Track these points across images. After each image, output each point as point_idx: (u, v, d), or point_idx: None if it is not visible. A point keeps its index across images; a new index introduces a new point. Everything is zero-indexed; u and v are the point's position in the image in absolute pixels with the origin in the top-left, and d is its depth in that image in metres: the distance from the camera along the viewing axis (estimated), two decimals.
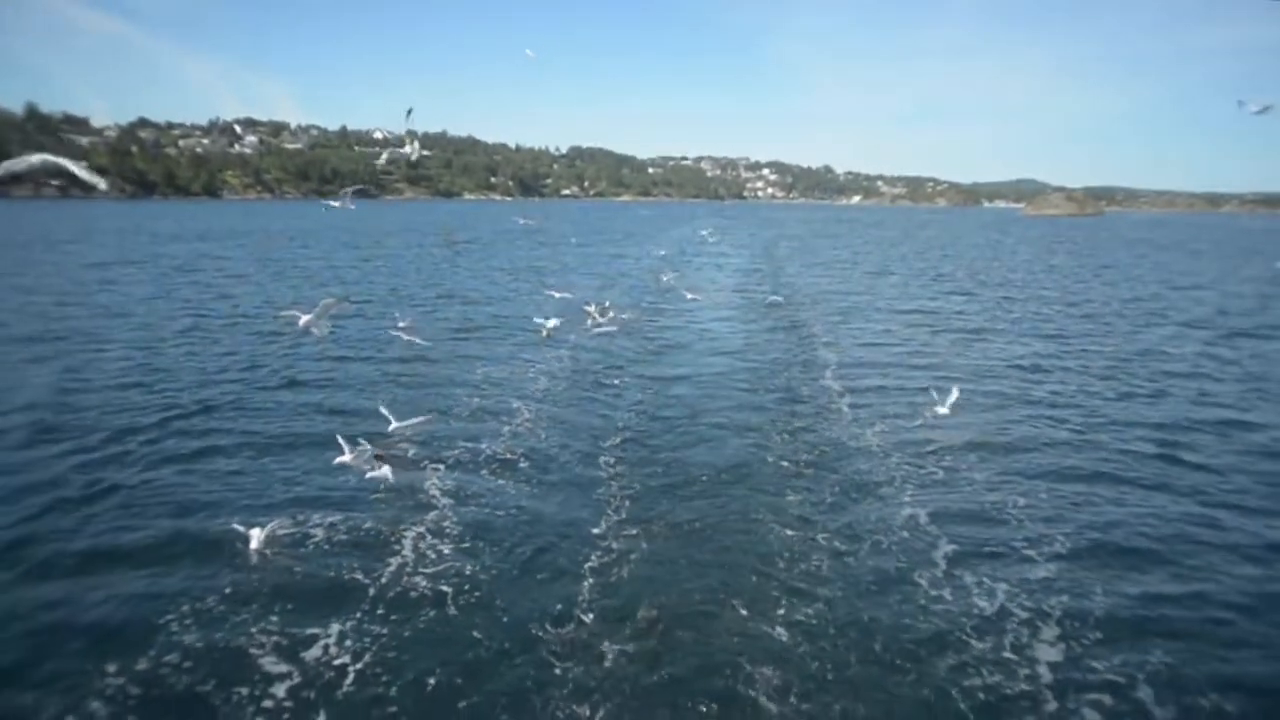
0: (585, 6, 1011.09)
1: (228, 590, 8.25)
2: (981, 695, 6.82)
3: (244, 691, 6.66)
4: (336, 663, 7.06)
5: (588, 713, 6.50)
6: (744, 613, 8.12)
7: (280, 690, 6.69)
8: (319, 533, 9.62)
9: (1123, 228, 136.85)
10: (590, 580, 8.68)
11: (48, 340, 21.01)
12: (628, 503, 10.87)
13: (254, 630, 7.53)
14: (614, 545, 9.55)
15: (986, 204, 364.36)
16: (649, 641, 7.52)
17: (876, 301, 32.84)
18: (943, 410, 14.56)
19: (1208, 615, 8.18)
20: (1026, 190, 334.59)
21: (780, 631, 7.78)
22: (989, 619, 8.06)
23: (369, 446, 10.54)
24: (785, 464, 12.63)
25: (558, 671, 7.02)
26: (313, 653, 7.20)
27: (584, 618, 7.88)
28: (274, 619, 7.73)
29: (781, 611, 8.14)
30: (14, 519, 9.87)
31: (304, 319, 14.09)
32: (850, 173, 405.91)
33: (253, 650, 7.25)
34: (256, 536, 8.96)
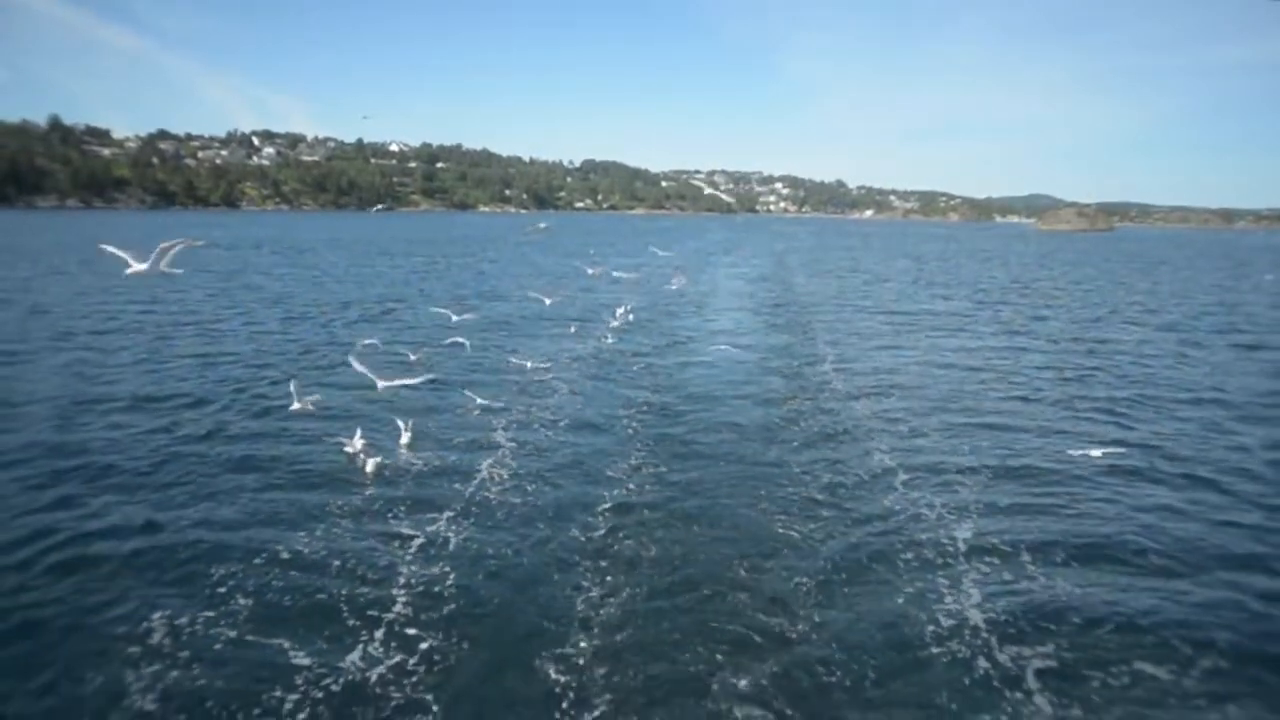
0: (598, 22, 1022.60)
1: (360, 500, 11.07)
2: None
3: (385, 563, 9.40)
4: (443, 537, 9.87)
5: (599, 592, 9.11)
6: (734, 534, 10.80)
7: (412, 548, 9.56)
8: (420, 459, 12.55)
9: (1129, 243, 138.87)
10: (609, 510, 11.33)
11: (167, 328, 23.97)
12: (644, 454, 13.55)
13: (378, 525, 10.32)
14: (631, 485, 12.18)
15: (999, 219, 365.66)
16: (654, 555, 10.16)
17: (871, 304, 35.54)
18: (923, 390, 17.25)
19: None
20: (1039, 205, 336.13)
21: (777, 564, 10.37)
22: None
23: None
24: (784, 432, 15.24)
25: (580, 564, 9.66)
26: (432, 529, 10.09)
27: (602, 536, 10.33)
28: (401, 512, 10.63)
29: (779, 552, 10.73)
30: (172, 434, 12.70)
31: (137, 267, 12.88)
32: (863, 187, 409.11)
33: (388, 527, 10.19)
34: (372, 462, 11.85)
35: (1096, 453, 13.12)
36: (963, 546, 9.97)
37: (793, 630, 8.05)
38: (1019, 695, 7.05)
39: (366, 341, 16.34)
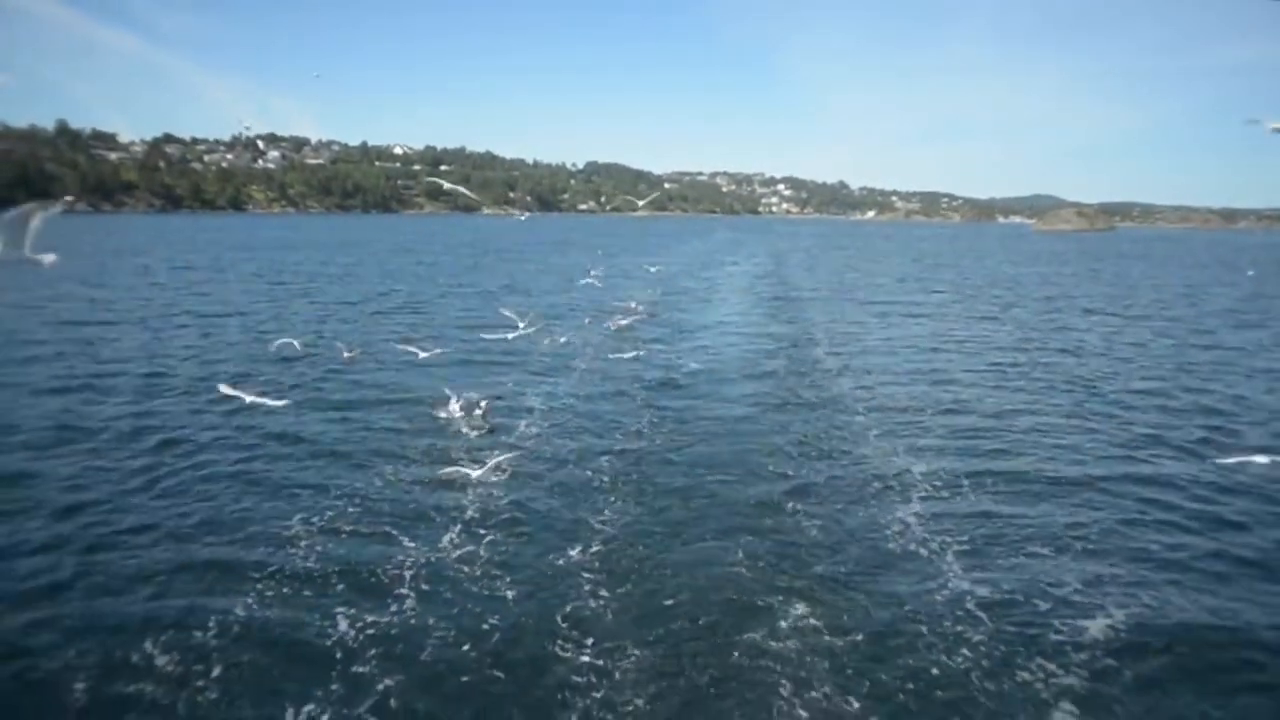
0: (600, 24, 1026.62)
1: (433, 439, 13.50)
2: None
3: (457, 483, 11.71)
4: (497, 468, 12.11)
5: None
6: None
7: (474, 474, 11.77)
8: (476, 413, 14.83)
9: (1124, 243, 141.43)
10: (623, 452, 13.67)
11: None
12: (652, 412, 15.92)
13: (451, 453, 12.77)
14: (641, 436, 14.51)
15: (1001, 219, 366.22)
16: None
17: (863, 297, 37.84)
18: (901, 367, 19.25)
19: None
20: (1042, 205, 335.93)
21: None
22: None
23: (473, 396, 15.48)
24: (777, 397, 17.45)
25: (598, 490, 11.98)
26: (483, 468, 12.10)
27: (617, 470, 12.76)
28: (465, 449, 13.20)
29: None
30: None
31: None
32: (865, 188, 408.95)
33: (455, 457, 12.54)
34: (456, 406, 14.63)
35: (1034, 406, 15.54)
36: (918, 478, 12.44)
37: (777, 532, 10.44)
38: (943, 565, 9.51)
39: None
